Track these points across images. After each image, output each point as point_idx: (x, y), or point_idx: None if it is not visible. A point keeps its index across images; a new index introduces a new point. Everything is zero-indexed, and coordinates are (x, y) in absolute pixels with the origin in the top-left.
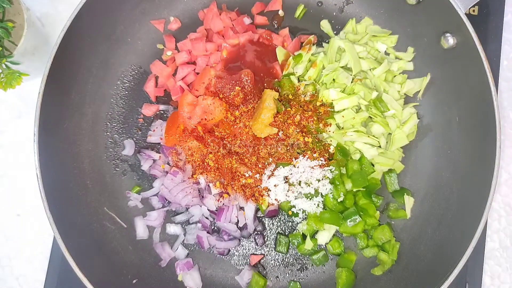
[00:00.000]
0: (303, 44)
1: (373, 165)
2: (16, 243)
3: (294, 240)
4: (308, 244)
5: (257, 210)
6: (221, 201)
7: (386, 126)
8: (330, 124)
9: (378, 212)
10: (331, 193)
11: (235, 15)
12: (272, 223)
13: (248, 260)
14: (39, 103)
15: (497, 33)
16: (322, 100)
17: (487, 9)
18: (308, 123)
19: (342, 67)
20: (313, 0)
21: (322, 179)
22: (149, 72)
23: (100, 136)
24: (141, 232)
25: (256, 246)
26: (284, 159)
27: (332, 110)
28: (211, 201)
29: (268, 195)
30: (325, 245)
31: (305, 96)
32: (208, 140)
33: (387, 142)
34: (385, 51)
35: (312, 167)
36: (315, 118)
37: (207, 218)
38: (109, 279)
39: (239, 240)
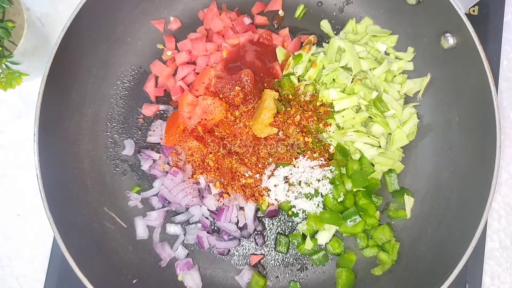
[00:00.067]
0: (303, 44)
1: (373, 165)
2: (16, 243)
3: (294, 240)
4: (308, 244)
5: (257, 210)
6: (221, 201)
7: (386, 126)
8: (330, 124)
9: (378, 212)
10: (331, 193)
11: (235, 15)
12: (272, 223)
13: (248, 260)
14: (39, 103)
15: (497, 33)
16: (322, 100)
17: (487, 9)
18: (308, 123)
19: (342, 67)
20: (313, 0)
21: (322, 179)
22: (149, 72)
23: (100, 136)
24: (141, 232)
25: (256, 246)
26: (284, 159)
27: (332, 110)
28: (211, 201)
29: (268, 195)
30: (325, 245)
31: (305, 96)
32: (208, 140)
33: (387, 142)
34: (385, 51)
35: (312, 167)
36: (315, 118)
37: (207, 218)
38: (109, 279)
39: (239, 240)
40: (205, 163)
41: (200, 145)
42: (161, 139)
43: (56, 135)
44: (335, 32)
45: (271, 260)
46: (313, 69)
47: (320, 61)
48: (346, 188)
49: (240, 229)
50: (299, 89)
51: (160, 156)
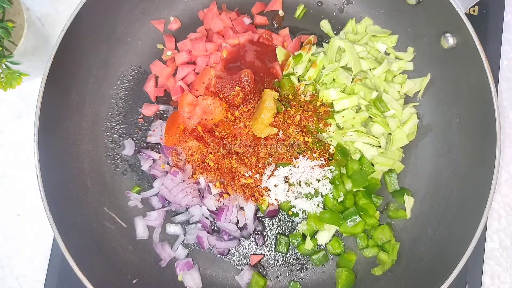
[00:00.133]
0: (303, 44)
1: (373, 165)
2: (16, 243)
3: (294, 240)
4: (308, 244)
5: (257, 210)
6: (221, 201)
7: (386, 126)
8: (330, 124)
9: (378, 212)
10: (331, 193)
11: (235, 15)
12: (272, 223)
13: (248, 260)
14: (39, 103)
15: (497, 33)
16: (322, 100)
17: (487, 9)
18: (308, 123)
19: (342, 67)
20: (313, 0)
21: (322, 179)
22: (149, 72)
23: (100, 136)
24: (141, 232)
25: (256, 246)
26: (284, 159)
27: (332, 110)
28: (211, 201)
29: (268, 195)
30: (325, 245)
31: (305, 96)
32: (208, 140)
33: (387, 142)
34: (385, 51)
35: (312, 167)
36: (315, 118)
37: (207, 218)
38: (109, 279)
39: (239, 240)
40: (205, 163)
41: (200, 145)
42: (161, 139)
43: (56, 135)
44: (335, 32)
45: (271, 260)
46: (313, 69)
47: (320, 61)
48: (346, 188)
49: (240, 229)
50: (299, 89)
51: (160, 156)
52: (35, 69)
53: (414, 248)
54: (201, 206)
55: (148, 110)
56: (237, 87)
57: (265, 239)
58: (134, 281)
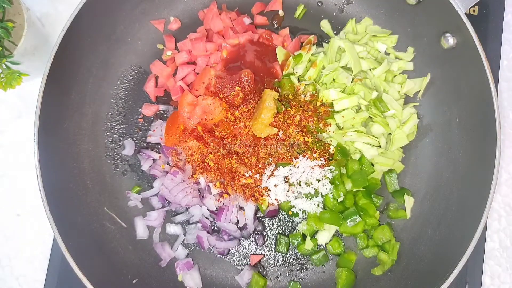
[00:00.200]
0: (303, 44)
1: (373, 165)
2: (16, 243)
3: (294, 240)
4: (308, 244)
5: (257, 210)
6: (221, 201)
7: (386, 126)
8: (330, 124)
9: (378, 212)
10: (331, 193)
11: (235, 15)
12: (272, 223)
13: (248, 260)
14: (39, 103)
15: (497, 33)
16: (322, 100)
17: (487, 9)
18: (308, 123)
19: (342, 67)
20: (313, 0)
21: (322, 179)
22: (149, 72)
23: (100, 136)
24: (141, 232)
25: (256, 246)
26: (284, 159)
27: (332, 110)
28: (211, 201)
29: (268, 195)
30: (325, 245)
31: (305, 96)
32: (208, 140)
33: (387, 142)
34: (385, 51)
35: (312, 167)
36: (315, 118)
37: (207, 218)
38: (109, 279)
39: (239, 240)
40: (205, 163)
41: (200, 145)
42: (161, 139)
43: (56, 135)
44: (335, 32)
45: (271, 260)
46: (313, 69)
47: (320, 61)
48: (346, 188)
49: (240, 229)
50: (299, 89)
51: (160, 156)
52: (35, 69)
53: (414, 248)
54: (201, 206)
55: (148, 110)
56: (237, 87)
57: (265, 239)
58: (134, 281)
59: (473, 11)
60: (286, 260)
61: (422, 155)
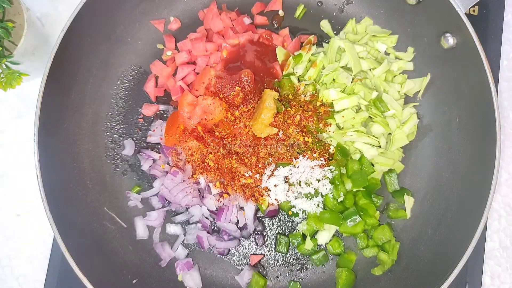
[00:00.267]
0: (303, 44)
1: (373, 165)
2: (16, 243)
3: (294, 240)
4: (308, 244)
5: (257, 210)
6: (221, 201)
7: (386, 126)
8: (330, 124)
9: (378, 212)
10: (331, 193)
11: (235, 15)
12: (272, 223)
13: (248, 260)
14: (39, 103)
15: (497, 33)
16: (322, 100)
17: (487, 9)
18: (308, 123)
19: (342, 67)
20: (313, 0)
21: (322, 179)
22: (149, 72)
23: (100, 136)
24: (141, 232)
25: (256, 246)
26: (284, 159)
27: (332, 110)
28: (211, 201)
29: (268, 195)
30: (325, 245)
31: (305, 96)
32: (208, 140)
33: (387, 142)
34: (385, 51)
35: (312, 167)
36: (315, 118)
37: (207, 218)
38: (109, 279)
39: (239, 240)
40: (205, 163)
41: (200, 145)
42: (161, 139)
43: (56, 135)
44: (335, 32)
45: (271, 260)
46: (313, 69)
47: (320, 61)
48: (346, 188)
49: (240, 229)
50: (299, 89)
51: (160, 156)
52: (35, 69)
53: (414, 248)
54: (201, 206)
55: (148, 110)
56: (237, 87)
57: (265, 239)
58: (134, 281)
59: (473, 11)
60: (286, 260)
61: (422, 155)
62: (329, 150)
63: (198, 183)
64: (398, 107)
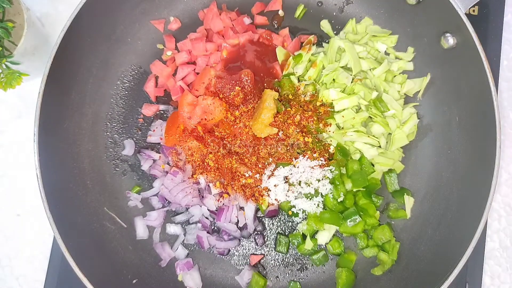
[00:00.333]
0: (303, 44)
1: (373, 165)
2: (16, 243)
3: (294, 240)
4: (308, 244)
5: (257, 210)
6: (221, 201)
7: (386, 126)
8: (330, 124)
9: (378, 212)
10: (331, 193)
11: (235, 15)
12: (272, 223)
13: (248, 260)
14: (39, 103)
15: (497, 33)
16: (322, 100)
17: (487, 9)
18: (308, 123)
19: (342, 67)
20: (313, 0)
21: (322, 179)
22: (149, 72)
23: (100, 136)
24: (141, 232)
25: (256, 246)
26: (284, 159)
27: (332, 110)
28: (211, 201)
29: (268, 195)
30: (325, 245)
31: (305, 96)
32: (208, 140)
33: (387, 142)
34: (385, 51)
35: (312, 167)
36: (315, 118)
37: (207, 218)
38: (109, 279)
39: (239, 240)
40: (205, 163)
41: (200, 145)
42: (161, 139)
43: (56, 135)
44: (335, 32)
45: (271, 260)
46: (313, 69)
47: (320, 61)
48: (346, 188)
49: (240, 229)
50: (299, 89)
51: (160, 156)
52: (35, 69)
53: (414, 248)
54: (201, 206)
55: (148, 110)
56: (237, 87)
57: (265, 239)
58: (134, 281)
59: (473, 11)
60: (286, 260)
61: (422, 155)
62: (329, 150)
63: (198, 183)
64: (398, 107)
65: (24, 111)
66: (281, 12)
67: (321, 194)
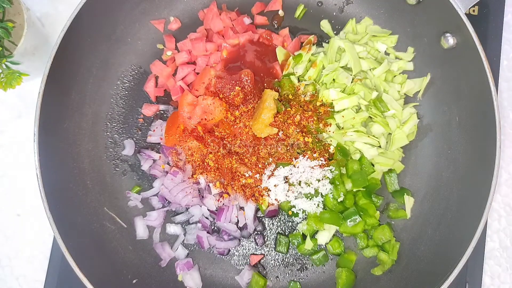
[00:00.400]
0: (303, 44)
1: (373, 165)
2: (16, 243)
3: (294, 240)
4: (308, 244)
5: (257, 210)
6: (221, 201)
7: (386, 126)
8: (330, 124)
9: (378, 212)
10: (331, 193)
11: (235, 15)
12: (272, 223)
13: (248, 260)
14: (39, 103)
15: (497, 33)
16: (322, 100)
17: (487, 9)
18: (308, 123)
19: (342, 67)
20: (313, 0)
21: (322, 179)
22: (149, 72)
23: (100, 136)
24: (141, 232)
25: (256, 246)
26: (284, 159)
27: (332, 110)
28: (211, 201)
29: (268, 195)
30: (325, 245)
31: (305, 96)
32: (208, 140)
33: (387, 142)
34: (385, 51)
35: (312, 167)
36: (315, 118)
37: (207, 218)
38: (109, 279)
39: (239, 240)
40: (205, 163)
41: (200, 145)
42: (161, 139)
43: (56, 135)
44: (335, 32)
45: (271, 260)
46: (313, 69)
47: (320, 61)
48: (346, 188)
49: (240, 229)
50: (299, 89)
51: (160, 156)
52: (35, 69)
53: (414, 248)
54: (201, 206)
55: (148, 110)
56: (237, 87)
57: (265, 239)
58: (134, 281)
59: (473, 11)
60: (286, 260)
61: (422, 155)
62: (329, 150)
63: (198, 183)
64: (398, 107)
65: (24, 111)
66: (281, 12)
67: (321, 194)
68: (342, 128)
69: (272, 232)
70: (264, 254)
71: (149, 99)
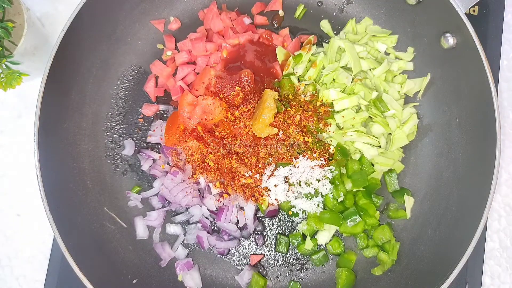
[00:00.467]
0: (303, 44)
1: (373, 165)
2: (16, 243)
3: (294, 240)
4: (308, 244)
5: (257, 210)
6: (221, 201)
7: (386, 126)
8: (330, 124)
9: (378, 212)
10: (331, 193)
11: (235, 15)
12: (272, 223)
13: (248, 260)
14: (39, 103)
15: (497, 33)
16: (322, 100)
17: (487, 9)
18: (308, 123)
19: (342, 67)
20: (313, 0)
21: (322, 179)
22: (149, 72)
23: (100, 136)
24: (141, 232)
25: (256, 246)
26: (284, 159)
27: (332, 110)
28: (211, 201)
29: (268, 195)
30: (325, 245)
31: (305, 96)
32: (208, 140)
33: (387, 142)
34: (385, 51)
35: (312, 167)
36: (315, 118)
37: (207, 218)
38: (109, 279)
39: (239, 240)
40: (205, 163)
41: (200, 145)
42: (161, 139)
43: (56, 135)
44: (335, 32)
45: (271, 260)
46: (313, 69)
47: (320, 61)
48: (346, 188)
49: (240, 229)
50: (299, 89)
51: (160, 156)
52: (35, 69)
53: (414, 248)
54: (201, 206)
55: (148, 110)
56: (237, 87)
57: (265, 239)
58: (134, 281)
59: (473, 11)
60: (286, 260)
61: (422, 155)
62: (329, 150)
63: (198, 183)
64: (398, 107)
65: (24, 111)
66: (281, 12)
67: (321, 194)
68: (342, 128)
69: (272, 232)
70: (264, 254)
71: (149, 99)
